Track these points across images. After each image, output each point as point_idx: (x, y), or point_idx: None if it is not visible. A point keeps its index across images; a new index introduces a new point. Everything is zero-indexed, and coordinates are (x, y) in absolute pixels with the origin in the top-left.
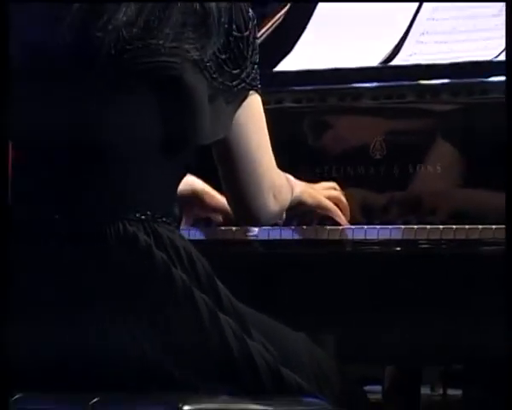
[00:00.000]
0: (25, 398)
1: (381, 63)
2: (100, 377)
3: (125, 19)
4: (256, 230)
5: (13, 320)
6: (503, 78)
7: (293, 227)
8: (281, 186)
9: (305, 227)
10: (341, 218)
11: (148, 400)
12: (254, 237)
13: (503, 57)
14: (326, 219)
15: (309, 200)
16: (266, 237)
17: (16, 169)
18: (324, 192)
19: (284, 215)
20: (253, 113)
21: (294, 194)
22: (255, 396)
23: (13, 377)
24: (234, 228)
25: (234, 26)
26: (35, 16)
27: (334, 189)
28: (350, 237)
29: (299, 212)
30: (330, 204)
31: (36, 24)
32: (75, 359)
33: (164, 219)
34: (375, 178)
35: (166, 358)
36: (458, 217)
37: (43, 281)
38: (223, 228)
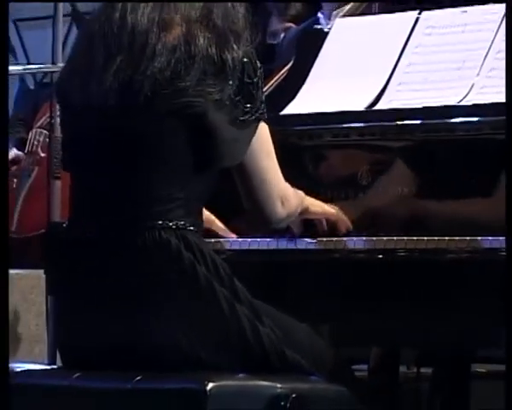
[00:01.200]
0: (83, 376)
1: (366, 108)
2: (142, 360)
3: (158, 66)
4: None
5: (73, 317)
6: (465, 119)
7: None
8: (288, 196)
9: (306, 239)
10: (344, 221)
11: (179, 377)
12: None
13: (464, 103)
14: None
15: (316, 208)
16: (280, 247)
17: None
18: (329, 209)
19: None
20: (262, 139)
21: (303, 203)
22: (265, 374)
23: (75, 359)
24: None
25: (245, 74)
26: (86, 65)
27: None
28: (346, 246)
29: (308, 219)
30: (332, 210)
31: (88, 72)
32: (123, 345)
33: (191, 228)
34: (361, 199)
35: (194, 342)
36: (426, 229)
37: (95, 281)
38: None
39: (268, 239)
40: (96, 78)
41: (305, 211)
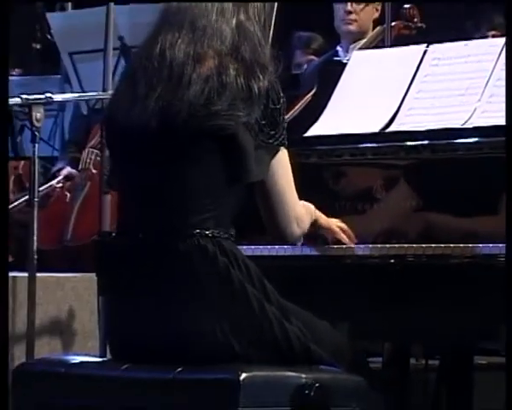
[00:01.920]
0: (131, 367)
1: (380, 130)
2: (182, 353)
3: (193, 94)
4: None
5: (121, 315)
6: (467, 140)
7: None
8: (302, 217)
9: (326, 246)
10: (344, 238)
11: (215, 368)
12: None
13: (467, 125)
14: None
15: (324, 223)
16: (295, 253)
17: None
18: (336, 223)
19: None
20: (282, 163)
21: (313, 217)
22: (291, 366)
23: (123, 352)
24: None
25: (270, 101)
26: (131, 93)
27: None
28: (362, 252)
29: (316, 232)
30: (337, 229)
31: (132, 99)
32: (165, 340)
33: (225, 236)
34: (376, 210)
35: (229, 337)
36: (433, 238)
37: (141, 283)
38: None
39: (292, 246)
40: (139, 105)
41: (315, 223)
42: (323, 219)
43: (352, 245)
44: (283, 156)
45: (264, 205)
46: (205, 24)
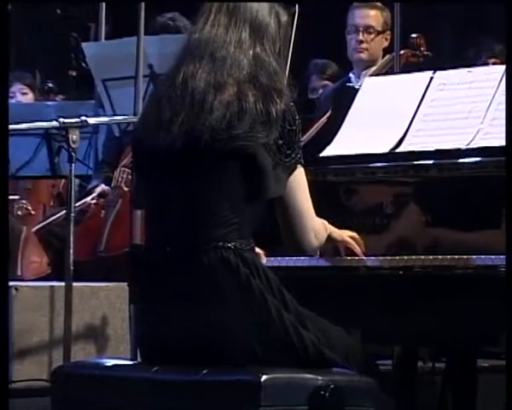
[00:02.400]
0: (160, 369)
1: (390, 150)
2: (208, 356)
3: (215, 119)
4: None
5: (151, 321)
6: (471, 159)
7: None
8: (319, 229)
9: (339, 258)
10: (357, 249)
11: (238, 371)
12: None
13: (471, 146)
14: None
15: (337, 237)
16: (312, 264)
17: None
18: (347, 233)
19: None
20: (298, 179)
21: (328, 232)
22: (308, 369)
23: (153, 356)
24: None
25: (286, 123)
26: (156, 118)
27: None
28: (373, 263)
29: (330, 244)
30: (349, 239)
31: (158, 124)
32: (192, 344)
33: (247, 247)
34: (387, 225)
35: (250, 342)
36: (436, 249)
37: (169, 292)
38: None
39: (309, 258)
40: (164, 129)
41: (328, 237)
42: (336, 232)
43: (364, 257)
44: (300, 173)
45: (283, 219)
46: (224, 55)
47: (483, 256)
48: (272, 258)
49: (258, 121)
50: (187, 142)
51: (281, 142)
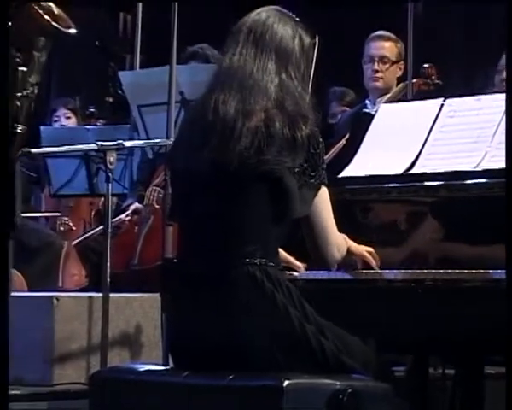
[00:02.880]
0: (190, 374)
1: (403, 171)
2: (234, 363)
3: (244, 145)
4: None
5: (181, 329)
6: (478, 180)
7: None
8: (341, 243)
9: (356, 271)
10: (373, 263)
11: (263, 376)
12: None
13: (479, 168)
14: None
15: (355, 250)
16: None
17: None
18: (364, 248)
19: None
20: (323, 198)
21: (347, 246)
22: (327, 375)
23: (184, 362)
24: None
25: (311, 147)
26: (189, 142)
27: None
28: (385, 277)
29: (348, 258)
30: (367, 254)
31: (191, 148)
32: (220, 351)
33: (271, 264)
34: (400, 241)
35: (274, 350)
36: (446, 264)
37: (198, 303)
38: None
39: (329, 271)
40: (196, 153)
41: (348, 250)
42: (355, 246)
43: (379, 271)
44: (324, 193)
45: (308, 234)
46: (252, 83)
47: (490, 271)
48: (296, 273)
49: (285, 146)
50: (218, 165)
51: (306, 165)
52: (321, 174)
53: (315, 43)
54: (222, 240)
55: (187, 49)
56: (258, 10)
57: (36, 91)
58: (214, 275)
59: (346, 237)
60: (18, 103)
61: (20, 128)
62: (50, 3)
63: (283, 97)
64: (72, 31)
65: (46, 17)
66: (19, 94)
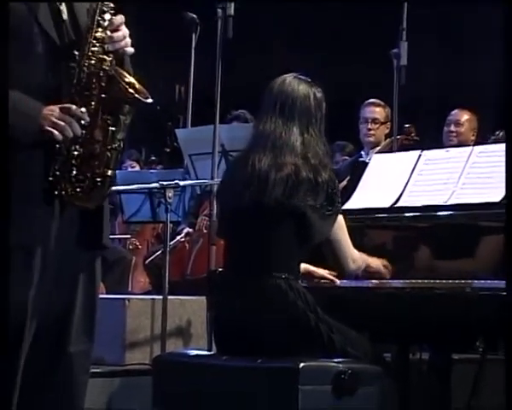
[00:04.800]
0: (229, 358)
1: (390, 205)
2: (263, 350)
3: (277, 192)
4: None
5: (222, 323)
6: (448, 212)
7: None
8: (355, 257)
9: (373, 281)
10: (386, 275)
11: (284, 360)
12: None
13: (448, 203)
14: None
15: (373, 263)
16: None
17: (224, 254)
18: (380, 262)
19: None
20: (339, 223)
21: (368, 261)
22: (333, 359)
23: (224, 348)
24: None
25: (329, 188)
26: (232, 188)
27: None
28: (386, 285)
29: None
30: (382, 268)
31: (233, 192)
32: (252, 341)
33: (292, 277)
34: (387, 258)
35: (294, 342)
36: (422, 275)
37: (236, 305)
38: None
39: (345, 280)
40: (238, 195)
41: (368, 265)
42: (374, 261)
43: (379, 281)
44: (340, 219)
45: (329, 251)
46: (281, 144)
47: (457, 281)
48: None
49: (310, 189)
50: (256, 205)
51: (325, 203)
52: (337, 206)
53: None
54: (257, 259)
55: (232, 113)
56: (281, 79)
57: (122, 145)
58: (249, 284)
59: (364, 255)
60: (108, 154)
61: (109, 172)
62: (134, 80)
63: (306, 152)
64: (149, 100)
65: (130, 90)
66: (109, 147)
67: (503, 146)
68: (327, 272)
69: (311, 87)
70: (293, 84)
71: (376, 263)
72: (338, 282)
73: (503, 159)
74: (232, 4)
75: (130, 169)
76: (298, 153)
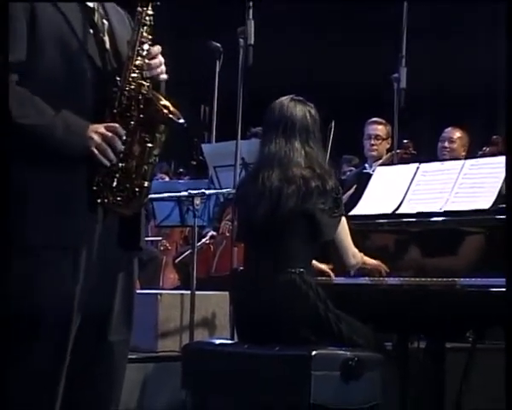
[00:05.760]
0: (250, 346)
1: (392, 211)
2: (279, 339)
3: (289, 204)
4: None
5: (243, 316)
6: (442, 218)
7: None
8: (355, 253)
9: (372, 278)
10: (383, 272)
11: (299, 348)
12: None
13: (442, 210)
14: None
15: (369, 262)
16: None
17: (244, 254)
18: (376, 262)
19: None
20: (342, 224)
21: (364, 259)
22: (341, 347)
23: (245, 337)
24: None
25: (334, 193)
26: (247, 198)
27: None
28: (381, 282)
29: (365, 268)
30: (378, 265)
31: (248, 202)
32: (269, 330)
33: (306, 272)
34: (389, 259)
35: (307, 331)
36: (419, 274)
37: (255, 299)
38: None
39: (345, 277)
40: (253, 207)
41: (364, 263)
42: (369, 260)
43: (381, 278)
44: (344, 221)
45: (334, 249)
46: (287, 159)
47: (450, 279)
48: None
49: (319, 194)
50: (271, 214)
51: (331, 205)
52: (341, 209)
53: (331, 128)
54: (273, 257)
55: (251, 130)
56: (279, 103)
57: (157, 160)
58: (266, 280)
59: (362, 254)
60: (146, 167)
61: (146, 184)
62: (168, 102)
63: (311, 164)
64: (182, 121)
65: (165, 111)
66: (146, 161)
67: (491, 159)
68: (325, 266)
69: (306, 106)
70: (291, 106)
71: (371, 262)
72: (333, 276)
73: (492, 170)
74: (252, 35)
75: (160, 180)
76: (303, 165)
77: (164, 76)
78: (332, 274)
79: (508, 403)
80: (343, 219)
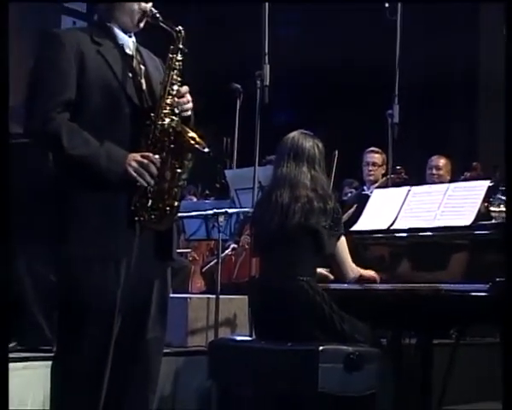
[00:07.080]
0: (267, 342)
1: (387, 227)
2: (291, 337)
3: (295, 218)
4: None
5: (259, 316)
6: (431, 233)
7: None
8: (353, 268)
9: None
10: (376, 281)
11: (308, 344)
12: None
13: (432, 226)
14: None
15: (365, 274)
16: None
17: (260, 265)
18: (371, 273)
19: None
20: (342, 242)
21: (360, 272)
22: (344, 344)
23: (262, 334)
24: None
25: (334, 213)
26: (262, 214)
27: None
28: (378, 288)
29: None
30: (372, 276)
31: (263, 216)
32: (281, 329)
33: (312, 279)
34: (385, 269)
35: (314, 329)
36: (411, 281)
37: (269, 302)
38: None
39: (348, 284)
40: (267, 222)
41: (361, 275)
42: (365, 271)
43: (375, 285)
44: (343, 239)
45: (334, 264)
46: (296, 182)
47: (438, 285)
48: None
49: (320, 213)
50: (282, 228)
51: (332, 223)
52: (341, 228)
53: (335, 155)
54: (284, 266)
55: (266, 158)
56: (291, 136)
57: (185, 184)
58: (279, 286)
59: (359, 268)
60: (176, 190)
61: (176, 203)
62: (195, 134)
63: (316, 186)
64: (207, 150)
65: (192, 142)
66: (176, 184)
67: (472, 183)
68: (324, 270)
69: (314, 139)
70: (301, 138)
71: (366, 273)
72: (331, 277)
73: (473, 193)
74: (268, 77)
75: (189, 200)
76: (308, 187)
77: (190, 112)
78: (331, 276)
79: (506, 403)
80: (342, 238)
